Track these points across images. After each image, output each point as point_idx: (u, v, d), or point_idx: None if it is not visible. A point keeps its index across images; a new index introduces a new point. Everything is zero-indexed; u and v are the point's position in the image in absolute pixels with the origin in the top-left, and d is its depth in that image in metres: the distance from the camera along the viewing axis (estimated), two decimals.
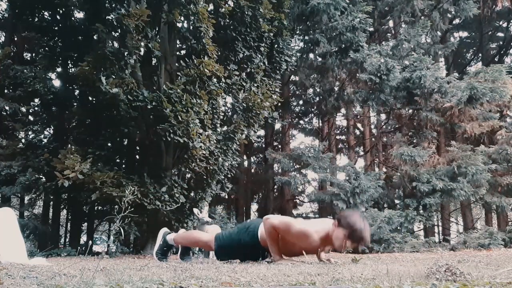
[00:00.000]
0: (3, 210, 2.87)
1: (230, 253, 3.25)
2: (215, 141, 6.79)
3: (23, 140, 8.97)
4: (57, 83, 8.78)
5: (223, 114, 7.53)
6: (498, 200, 10.10)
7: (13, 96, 8.15)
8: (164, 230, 3.62)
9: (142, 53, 6.63)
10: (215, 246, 3.28)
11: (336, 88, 11.68)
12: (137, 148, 8.41)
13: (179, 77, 6.46)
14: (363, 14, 9.01)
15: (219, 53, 7.06)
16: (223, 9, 7.15)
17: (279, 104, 8.66)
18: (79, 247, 8.16)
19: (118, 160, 8.38)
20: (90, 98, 8.45)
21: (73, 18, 8.75)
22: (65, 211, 11.04)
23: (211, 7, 7.32)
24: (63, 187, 5.85)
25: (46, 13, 8.60)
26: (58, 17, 8.52)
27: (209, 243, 3.36)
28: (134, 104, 6.05)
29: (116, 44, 6.53)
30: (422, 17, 11.01)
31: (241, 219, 12.98)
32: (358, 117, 14.92)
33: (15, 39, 9.90)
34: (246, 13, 7.35)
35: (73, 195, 7.63)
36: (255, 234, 3.15)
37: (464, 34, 16.89)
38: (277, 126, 14.19)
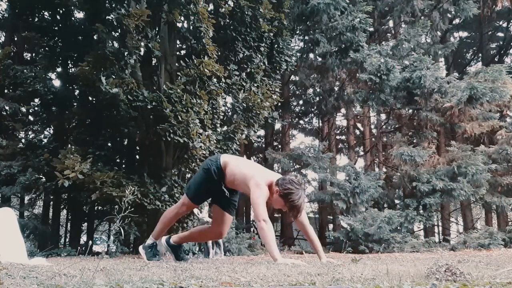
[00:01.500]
0: (3, 210, 2.87)
1: (201, 194, 3.45)
2: (215, 141, 6.79)
3: (23, 140, 8.97)
4: (57, 83, 8.78)
5: (223, 114, 7.53)
6: (498, 200, 10.10)
7: (13, 96, 8.14)
8: (163, 241, 3.59)
9: (142, 53, 6.63)
10: (189, 197, 3.39)
11: (336, 88, 11.68)
12: (137, 148, 8.41)
13: (179, 77, 6.46)
14: (363, 14, 9.01)
15: (219, 53, 7.06)
16: (223, 9, 7.14)
17: (279, 104, 8.66)
18: (79, 247, 8.15)
19: (118, 160, 8.38)
20: (90, 98, 8.45)
21: (73, 18, 8.75)
22: (65, 211, 11.03)
23: (211, 7, 7.32)
24: (63, 187, 5.85)
25: (46, 13, 8.60)
26: (58, 17, 8.51)
27: (177, 211, 3.46)
28: (134, 104, 6.05)
29: (116, 44, 6.53)
30: (422, 17, 11.01)
31: (241, 219, 12.98)
32: (358, 117, 14.92)
33: (15, 39, 9.89)
34: (246, 13, 7.35)
35: (73, 195, 7.63)
36: (218, 163, 3.26)
37: (464, 34, 16.89)
38: (277, 126, 14.19)
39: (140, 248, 3.52)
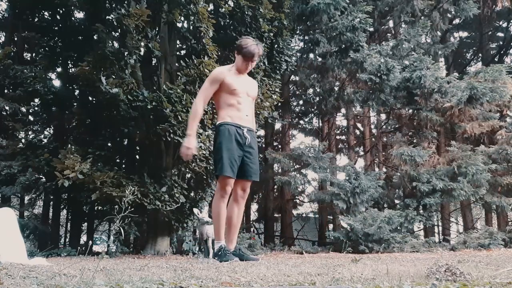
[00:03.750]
0: (3, 210, 2.88)
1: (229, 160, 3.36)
2: None
3: (23, 140, 8.97)
4: (57, 83, 8.79)
5: None
6: (498, 200, 10.10)
7: (13, 96, 8.15)
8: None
9: (142, 53, 6.63)
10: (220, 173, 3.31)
11: (336, 88, 11.68)
12: (137, 148, 8.41)
13: (179, 77, 6.46)
14: (363, 14, 9.00)
15: (219, 53, 7.06)
16: (223, 9, 7.14)
17: (279, 104, 8.65)
18: (79, 247, 8.15)
19: (118, 160, 8.38)
20: (90, 98, 8.45)
21: (73, 18, 8.75)
22: (65, 211, 11.04)
23: (211, 7, 7.32)
24: (63, 187, 5.85)
25: (46, 13, 8.60)
26: (58, 17, 8.52)
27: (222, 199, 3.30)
28: (134, 104, 6.06)
29: (116, 44, 6.53)
30: (422, 17, 11.00)
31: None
32: (358, 117, 14.92)
33: (15, 39, 9.89)
34: (246, 13, 7.35)
35: (73, 195, 7.63)
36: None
37: (464, 34, 16.89)
38: (277, 126, 14.19)
39: (211, 258, 3.45)
